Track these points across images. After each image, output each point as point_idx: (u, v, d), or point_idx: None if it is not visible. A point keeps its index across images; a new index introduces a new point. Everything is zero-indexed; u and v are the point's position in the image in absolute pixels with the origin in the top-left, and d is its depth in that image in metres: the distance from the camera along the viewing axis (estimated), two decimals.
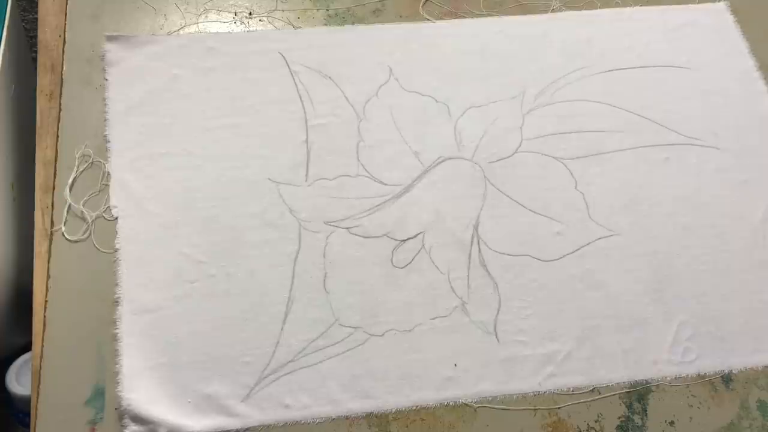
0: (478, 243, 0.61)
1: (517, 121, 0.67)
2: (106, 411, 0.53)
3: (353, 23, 0.71)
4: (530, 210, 0.63)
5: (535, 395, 0.57)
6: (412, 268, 0.60)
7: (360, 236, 0.61)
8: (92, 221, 0.59)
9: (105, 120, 0.63)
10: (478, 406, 0.56)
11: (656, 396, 0.58)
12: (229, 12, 0.71)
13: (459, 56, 0.70)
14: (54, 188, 0.60)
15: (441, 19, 0.72)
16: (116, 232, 0.59)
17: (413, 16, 0.72)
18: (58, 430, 0.53)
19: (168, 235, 0.59)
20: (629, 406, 0.57)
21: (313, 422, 0.55)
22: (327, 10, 0.72)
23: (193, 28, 0.69)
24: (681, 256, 0.63)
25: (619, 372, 0.58)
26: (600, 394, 0.57)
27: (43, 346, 0.55)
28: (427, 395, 0.56)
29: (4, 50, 0.67)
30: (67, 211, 0.59)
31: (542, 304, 0.60)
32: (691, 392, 0.58)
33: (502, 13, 0.73)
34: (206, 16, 0.70)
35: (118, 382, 0.54)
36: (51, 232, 0.58)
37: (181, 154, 0.63)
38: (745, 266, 0.63)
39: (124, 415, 0.53)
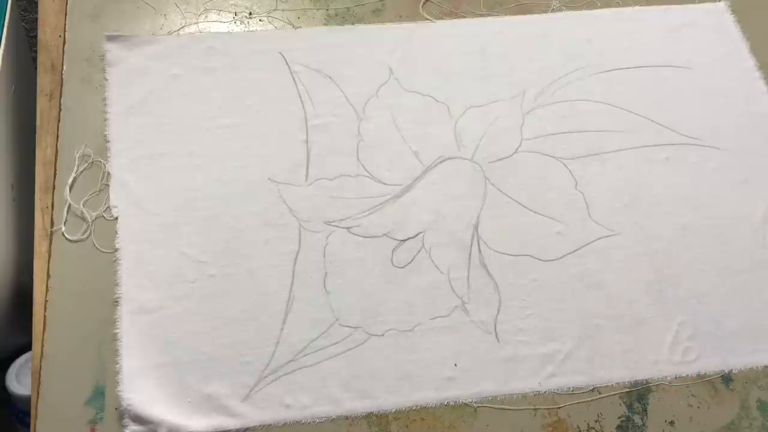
0: (478, 243, 0.61)
1: (517, 121, 0.67)
2: (106, 411, 0.53)
3: (353, 23, 0.71)
4: (530, 210, 0.63)
5: (535, 395, 0.57)
6: (412, 268, 0.60)
7: (360, 236, 0.61)
8: (92, 221, 0.59)
9: (105, 120, 0.63)
10: (478, 406, 0.56)
11: (656, 396, 0.58)
12: (229, 12, 0.71)
13: (459, 56, 0.70)
14: (54, 188, 0.60)
15: (441, 19, 0.72)
16: (116, 232, 0.59)
17: (413, 16, 0.72)
18: (58, 430, 0.53)
19: (168, 235, 0.59)
20: (629, 406, 0.57)
21: (313, 422, 0.55)
22: (327, 10, 0.72)
23: (193, 28, 0.69)
24: (681, 256, 0.63)
25: (619, 372, 0.58)
26: (600, 394, 0.57)
27: (43, 346, 0.55)
28: (427, 395, 0.56)
29: (4, 50, 0.67)
30: (67, 211, 0.59)
31: (542, 304, 0.60)
32: (691, 392, 0.58)
33: (502, 13, 0.73)
34: (206, 16, 0.70)
35: (118, 382, 0.54)
36: (51, 232, 0.58)
37: (181, 154, 0.63)
38: (745, 266, 0.63)
39: (124, 415, 0.53)
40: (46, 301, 0.56)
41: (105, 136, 0.62)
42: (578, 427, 0.56)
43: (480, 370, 0.57)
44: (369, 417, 0.55)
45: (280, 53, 0.68)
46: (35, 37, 0.67)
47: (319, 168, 0.63)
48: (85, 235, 0.59)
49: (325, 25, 0.71)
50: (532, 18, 0.73)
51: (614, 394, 0.57)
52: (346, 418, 0.55)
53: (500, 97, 0.68)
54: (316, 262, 0.59)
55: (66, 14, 0.68)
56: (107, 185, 0.61)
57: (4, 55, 0.67)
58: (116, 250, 0.58)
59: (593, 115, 0.68)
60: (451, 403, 0.56)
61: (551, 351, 0.58)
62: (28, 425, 0.59)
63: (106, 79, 0.65)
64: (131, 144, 0.62)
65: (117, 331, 0.55)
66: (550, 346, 0.58)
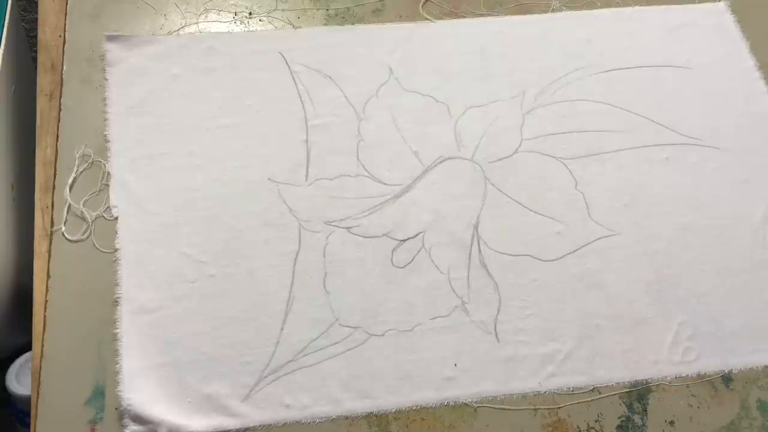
0: (478, 243, 0.61)
1: (517, 121, 0.67)
2: (106, 411, 0.53)
3: (353, 23, 0.71)
4: (530, 210, 0.63)
5: (535, 395, 0.57)
6: (412, 268, 0.60)
7: (360, 236, 0.61)
8: (92, 221, 0.59)
9: (105, 120, 0.63)
10: (478, 406, 0.56)
11: (656, 396, 0.58)
12: (229, 12, 0.71)
13: (459, 56, 0.70)
14: (54, 188, 0.60)
15: (441, 19, 0.72)
16: (116, 232, 0.59)
17: (413, 16, 0.72)
18: (58, 430, 0.53)
19: (168, 235, 0.59)
20: (629, 406, 0.57)
21: (313, 422, 0.55)
22: (327, 10, 0.72)
23: (193, 28, 0.69)
24: (681, 256, 0.63)
25: (619, 372, 0.58)
26: (600, 394, 0.57)
27: (43, 346, 0.55)
28: (427, 395, 0.56)
29: (4, 50, 0.67)
30: (67, 211, 0.59)
31: (542, 304, 0.60)
32: (691, 392, 0.58)
33: (502, 13, 0.73)
34: (206, 16, 0.70)
35: (118, 382, 0.54)
36: (51, 232, 0.58)
37: (181, 154, 0.63)
38: (745, 266, 0.63)
39: (124, 415, 0.53)
40: (46, 301, 0.56)
41: (105, 136, 0.62)
42: (578, 427, 0.56)
43: (480, 370, 0.57)
44: (369, 417, 0.55)
45: (280, 53, 0.68)
46: (35, 37, 0.67)
47: (319, 168, 0.63)
48: (85, 235, 0.59)
49: (325, 25, 0.71)
50: (532, 18, 0.73)
51: (614, 394, 0.57)
52: (346, 418, 0.55)
53: (500, 97, 0.68)
54: (316, 262, 0.59)
55: (66, 14, 0.68)
56: (107, 185, 0.61)
57: (4, 55, 0.67)
58: (116, 250, 0.58)
59: (593, 115, 0.68)
60: (451, 403, 0.56)
61: (551, 351, 0.58)
62: (28, 425, 0.59)
63: (106, 79, 0.65)
64: (131, 144, 0.62)
65: (117, 331, 0.55)
66: (550, 346, 0.58)
